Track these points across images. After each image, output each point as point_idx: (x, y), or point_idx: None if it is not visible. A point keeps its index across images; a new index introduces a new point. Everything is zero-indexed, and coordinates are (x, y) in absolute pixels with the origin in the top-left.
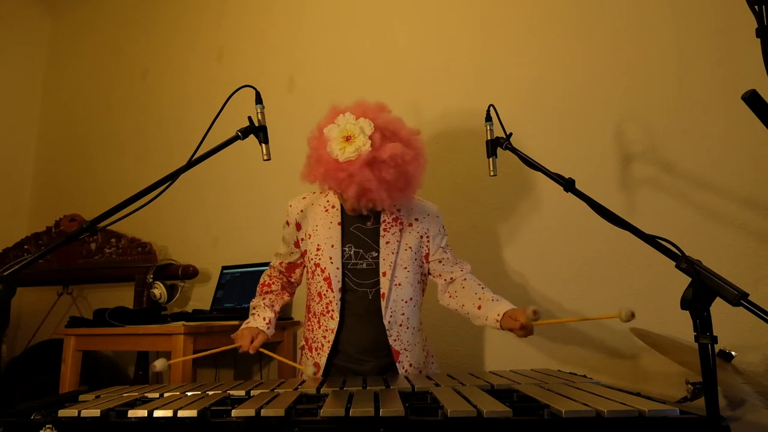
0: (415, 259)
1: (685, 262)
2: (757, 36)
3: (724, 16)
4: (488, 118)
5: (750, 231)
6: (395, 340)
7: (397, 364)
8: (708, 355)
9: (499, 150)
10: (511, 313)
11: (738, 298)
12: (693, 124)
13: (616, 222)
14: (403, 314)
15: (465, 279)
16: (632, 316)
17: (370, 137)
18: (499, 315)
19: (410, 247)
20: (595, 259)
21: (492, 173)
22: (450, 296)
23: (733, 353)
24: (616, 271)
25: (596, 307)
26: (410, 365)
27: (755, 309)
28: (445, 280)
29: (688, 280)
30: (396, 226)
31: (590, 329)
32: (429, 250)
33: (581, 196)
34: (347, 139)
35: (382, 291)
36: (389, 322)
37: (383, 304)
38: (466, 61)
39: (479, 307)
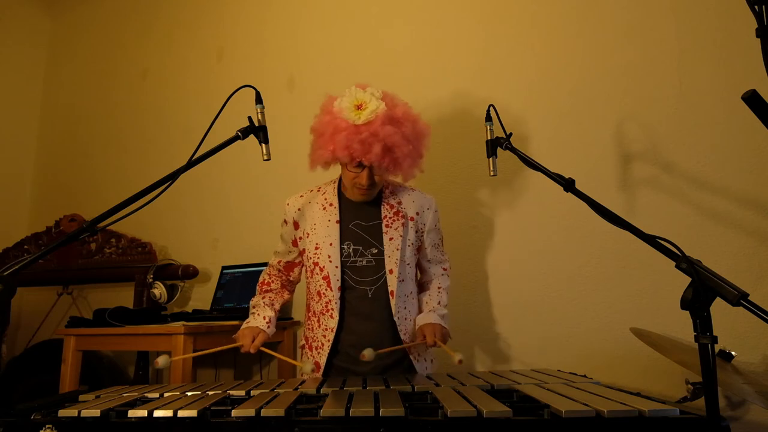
0: (414, 254)
1: (685, 262)
2: (757, 36)
3: (724, 16)
4: (488, 118)
5: (750, 231)
6: (405, 335)
7: (411, 357)
8: (708, 355)
9: (499, 150)
10: (423, 328)
11: (738, 298)
12: (693, 124)
13: (616, 222)
14: (405, 308)
15: (434, 276)
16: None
17: (382, 99)
18: (417, 326)
19: (411, 243)
20: (595, 259)
21: (492, 173)
22: (418, 285)
23: (733, 353)
24: (616, 271)
25: (596, 307)
26: (419, 355)
27: (755, 309)
28: (421, 276)
29: (688, 280)
30: (398, 220)
31: (590, 329)
32: (422, 243)
33: (581, 196)
34: (359, 107)
35: (390, 289)
36: (398, 318)
37: (393, 301)
38: (466, 61)
39: (421, 311)
